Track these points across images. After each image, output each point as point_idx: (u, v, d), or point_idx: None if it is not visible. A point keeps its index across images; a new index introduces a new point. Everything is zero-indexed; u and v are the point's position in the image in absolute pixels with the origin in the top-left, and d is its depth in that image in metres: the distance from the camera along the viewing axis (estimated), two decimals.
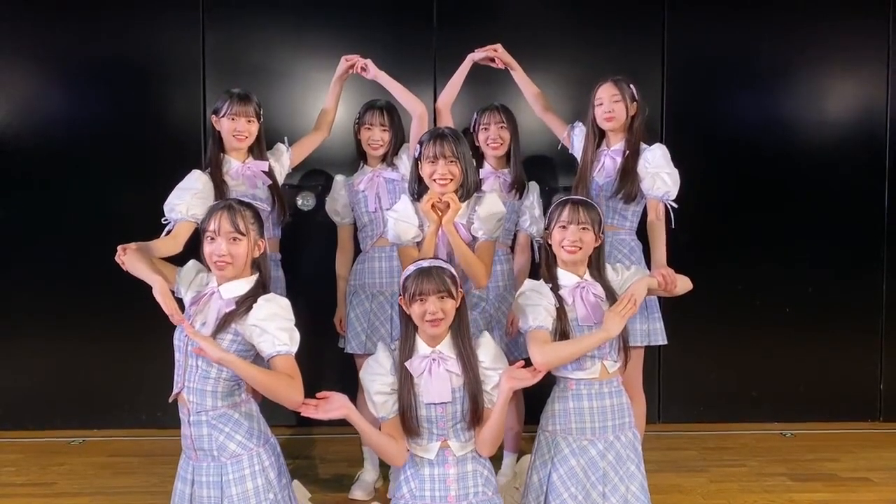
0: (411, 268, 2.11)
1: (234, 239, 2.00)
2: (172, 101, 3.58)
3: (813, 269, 3.71)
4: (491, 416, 2.08)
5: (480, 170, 2.89)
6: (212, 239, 2.01)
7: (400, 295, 2.11)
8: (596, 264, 2.25)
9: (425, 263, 2.11)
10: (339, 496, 2.89)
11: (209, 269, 2.07)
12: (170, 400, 2.06)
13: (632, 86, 2.67)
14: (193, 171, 2.61)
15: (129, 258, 2.13)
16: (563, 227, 2.20)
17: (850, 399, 3.73)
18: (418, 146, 2.44)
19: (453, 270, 2.12)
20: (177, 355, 2.04)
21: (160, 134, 3.56)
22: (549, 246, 2.24)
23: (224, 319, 1.97)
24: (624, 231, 2.69)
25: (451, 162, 2.36)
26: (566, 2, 3.68)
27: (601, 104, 2.66)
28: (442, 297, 2.05)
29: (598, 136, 2.72)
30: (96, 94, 3.55)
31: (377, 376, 2.10)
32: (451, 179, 2.37)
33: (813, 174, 3.70)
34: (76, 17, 3.53)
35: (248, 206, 2.07)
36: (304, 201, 3.48)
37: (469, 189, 2.43)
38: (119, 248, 2.15)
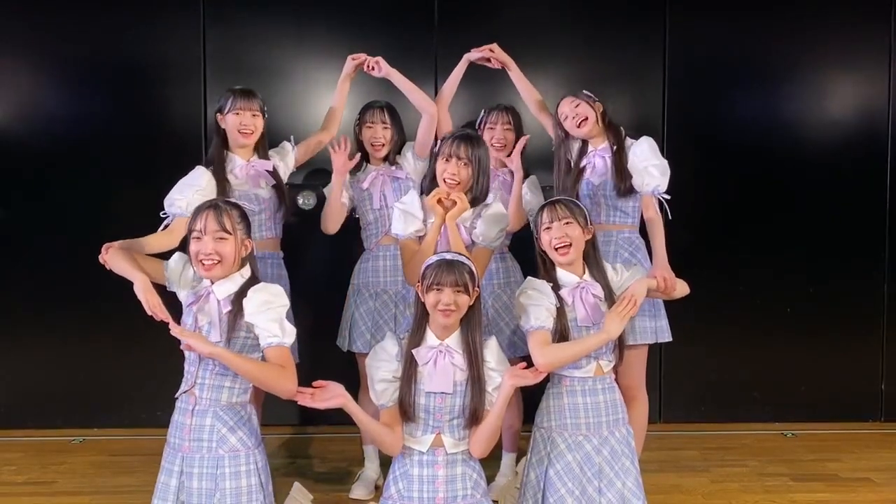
0: (434, 258, 2.13)
1: (221, 238, 1.99)
2: (173, 100, 3.57)
3: (814, 269, 3.71)
4: (489, 414, 2.09)
5: None
6: (198, 238, 2.00)
7: (418, 282, 2.12)
8: (594, 261, 2.26)
9: (448, 256, 2.13)
10: (339, 495, 2.88)
11: None
12: (176, 396, 2.05)
13: (584, 91, 2.71)
14: (198, 167, 2.61)
15: (112, 256, 2.12)
16: (548, 228, 2.23)
17: (852, 399, 3.73)
18: (440, 142, 2.46)
19: (473, 267, 2.13)
20: (186, 352, 2.04)
21: (161, 134, 3.56)
22: (545, 253, 2.26)
23: (230, 321, 1.97)
24: (627, 228, 2.70)
25: (465, 165, 2.39)
26: (567, 2, 3.68)
27: (566, 118, 2.69)
28: (458, 291, 2.07)
29: (581, 142, 2.74)
30: (96, 94, 3.55)
31: (382, 362, 2.11)
32: (458, 183, 2.39)
33: (814, 174, 3.70)
34: (77, 16, 3.52)
35: (235, 205, 2.08)
36: (305, 200, 3.48)
37: (478, 195, 2.44)
38: (103, 247, 2.15)
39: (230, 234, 2.00)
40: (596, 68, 3.48)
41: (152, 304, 1.98)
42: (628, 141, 2.68)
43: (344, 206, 2.92)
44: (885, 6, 3.67)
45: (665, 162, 2.61)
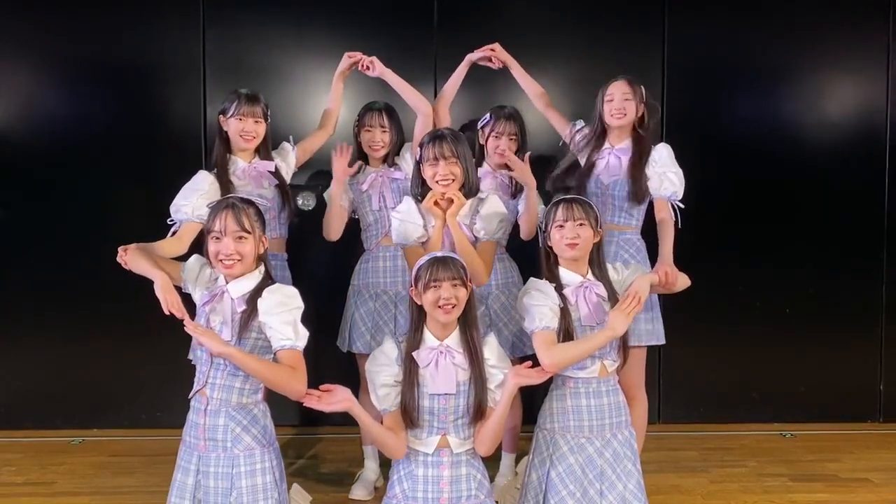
0: (425, 258, 2.13)
1: (241, 237, 2.00)
2: (173, 101, 3.57)
3: (813, 269, 3.71)
4: (493, 413, 2.09)
5: (479, 168, 2.90)
6: (217, 238, 2.01)
7: (411, 286, 2.12)
8: (597, 262, 2.27)
9: (439, 254, 2.14)
10: (339, 496, 2.89)
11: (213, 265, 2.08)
12: (189, 397, 2.06)
13: (643, 88, 2.67)
14: (200, 171, 2.61)
15: (131, 256, 2.13)
16: (560, 226, 2.22)
17: (851, 399, 3.73)
18: (419, 148, 2.46)
19: (463, 262, 2.15)
20: (198, 353, 2.04)
21: (160, 134, 3.56)
22: (550, 248, 2.26)
23: (243, 321, 1.98)
24: (630, 230, 2.70)
25: (452, 162, 2.39)
26: (567, 2, 3.68)
27: (611, 100, 2.65)
28: (456, 285, 2.08)
29: (599, 134, 2.71)
30: (96, 94, 3.54)
31: (383, 367, 2.11)
32: (453, 180, 2.40)
33: (813, 175, 3.71)
34: (76, 17, 3.52)
35: (250, 203, 2.08)
36: (305, 201, 3.48)
37: (471, 188, 2.45)
38: (120, 248, 2.15)
39: (249, 233, 2.01)
40: (595, 68, 3.46)
41: (171, 303, 1.98)
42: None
43: (344, 210, 2.91)
44: (884, 7, 3.68)
45: (681, 171, 2.61)
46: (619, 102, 2.64)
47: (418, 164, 2.46)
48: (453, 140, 2.41)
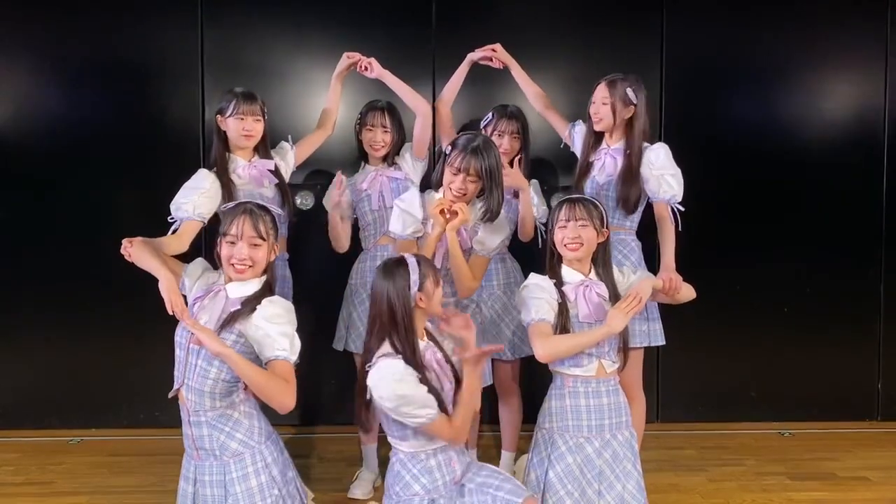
0: (414, 266, 2.10)
1: (256, 244, 2.02)
2: (171, 101, 3.57)
3: (811, 269, 3.72)
4: (456, 410, 2.09)
5: None
6: (232, 243, 2.02)
7: (418, 293, 2.04)
8: (602, 261, 2.27)
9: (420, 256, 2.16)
10: (338, 496, 2.89)
11: (215, 268, 2.09)
12: (169, 396, 2.07)
13: (629, 89, 2.58)
14: (201, 170, 2.61)
15: (136, 250, 2.13)
16: (563, 226, 2.23)
17: (849, 399, 3.74)
18: (450, 147, 2.42)
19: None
20: (177, 352, 2.05)
21: (159, 134, 3.56)
22: (554, 246, 2.26)
23: (229, 318, 1.98)
24: (624, 231, 2.69)
25: (471, 180, 2.36)
26: (565, 2, 3.69)
27: (593, 103, 2.65)
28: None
29: (595, 134, 2.70)
30: (95, 95, 3.54)
31: (413, 378, 2.00)
32: (464, 195, 2.38)
33: (811, 175, 3.71)
34: (75, 17, 3.52)
35: (267, 210, 2.09)
36: (303, 201, 3.48)
37: (492, 208, 2.40)
38: (125, 240, 2.15)
39: (264, 240, 2.03)
40: (594, 68, 3.45)
41: (175, 304, 1.99)
42: (644, 145, 2.62)
43: (346, 221, 2.91)
44: (882, 7, 3.68)
45: (680, 172, 2.58)
46: (597, 106, 2.62)
47: (445, 156, 2.42)
48: (484, 156, 2.33)
